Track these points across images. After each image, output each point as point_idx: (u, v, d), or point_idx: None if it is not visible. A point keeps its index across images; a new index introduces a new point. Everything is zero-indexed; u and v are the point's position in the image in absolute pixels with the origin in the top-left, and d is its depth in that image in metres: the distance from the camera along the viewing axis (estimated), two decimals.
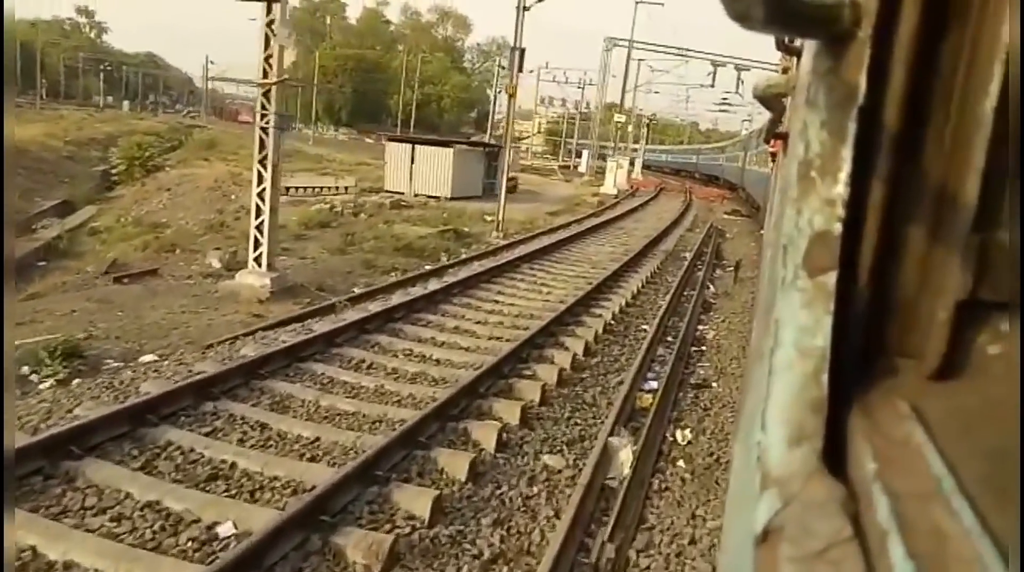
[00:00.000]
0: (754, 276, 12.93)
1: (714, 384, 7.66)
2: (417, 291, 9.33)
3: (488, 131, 49.85)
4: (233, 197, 21.92)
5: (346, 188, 21.90)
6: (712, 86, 42.69)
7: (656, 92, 58.44)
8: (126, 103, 72.18)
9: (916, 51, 0.46)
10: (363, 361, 6.51)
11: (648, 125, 55.05)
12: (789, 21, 0.45)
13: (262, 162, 9.45)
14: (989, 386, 0.46)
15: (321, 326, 7.37)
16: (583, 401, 6.54)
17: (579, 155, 52.58)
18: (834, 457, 0.45)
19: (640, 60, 45.65)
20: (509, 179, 31.05)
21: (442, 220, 17.62)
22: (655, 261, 14.44)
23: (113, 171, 27.89)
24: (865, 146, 0.47)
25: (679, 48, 42.53)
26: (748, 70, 39.30)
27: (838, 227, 0.47)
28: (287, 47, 9.10)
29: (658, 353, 8.40)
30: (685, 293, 12.02)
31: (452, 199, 23.00)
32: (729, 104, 52.13)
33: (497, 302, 9.47)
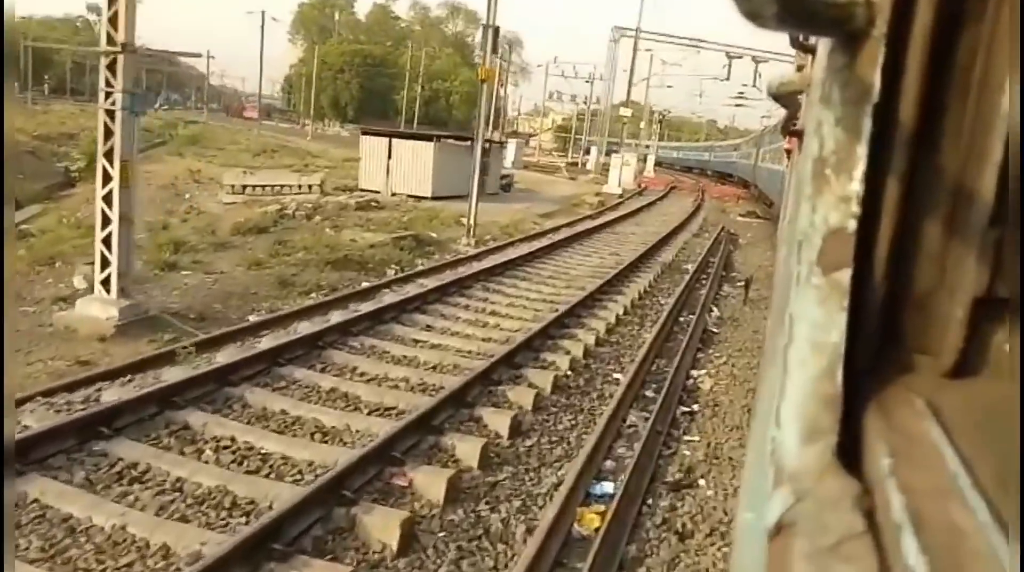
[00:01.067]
0: (768, 296, 10.39)
1: (702, 481, 5.18)
2: (307, 328, 6.94)
3: (500, 127, 47.18)
4: (187, 195, 19.76)
5: (311, 187, 19.60)
6: (727, 79, 40.01)
7: (669, 86, 55.49)
8: None
9: (931, 48, 0.45)
10: (135, 465, 4.11)
11: (660, 121, 52.27)
12: (803, 19, 0.45)
13: (108, 155, 7.11)
14: (1005, 383, 0.46)
15: (118, 393, 5.00)
16: (484, 531, 4.10)
17: (587, 152, 50.03)
18: (849, 453, 0.45)
19: (649, 51, 42.98)
20: (503, 177, 28.91)
21: (402, 224, 15.22)
22: (648, 276, 11.92)
23: (72, 168, 25.80)
24: (880, 143, 0.46)
25: (691, 39, 39.79)
26: (766, 62, 36.58)
27: (853, 224, 0.47)
28: (134, 4, 6.74)
29: (628, 423, 5.96)
30: (681, 319, 9.53)
31: (434, 198, 20.67)
32: (746, 98, 49.19)
33: (416, 343, 7.04)
